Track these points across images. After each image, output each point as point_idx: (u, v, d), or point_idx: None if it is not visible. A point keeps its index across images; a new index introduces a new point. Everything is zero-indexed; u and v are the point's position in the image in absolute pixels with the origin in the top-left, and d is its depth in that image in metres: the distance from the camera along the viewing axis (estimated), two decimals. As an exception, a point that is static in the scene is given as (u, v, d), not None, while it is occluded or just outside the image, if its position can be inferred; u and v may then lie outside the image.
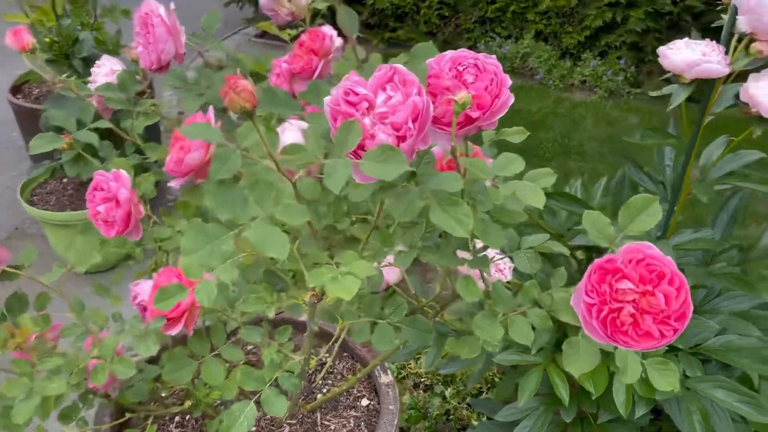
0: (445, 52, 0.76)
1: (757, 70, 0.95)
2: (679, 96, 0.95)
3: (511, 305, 0.77)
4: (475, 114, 0.70)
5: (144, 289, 0.92)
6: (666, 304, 0.57)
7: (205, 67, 1.07)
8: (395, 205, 0.61)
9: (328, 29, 1.10)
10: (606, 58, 3.59)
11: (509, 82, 0.73)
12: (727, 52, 0.95)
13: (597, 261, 0.61)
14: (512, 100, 0.73)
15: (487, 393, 1.62)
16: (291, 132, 0.91)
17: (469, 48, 3.50)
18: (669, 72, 0.97)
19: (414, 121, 0.57)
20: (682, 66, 0.93)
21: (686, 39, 0.96)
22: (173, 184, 0.77)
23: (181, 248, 0.52)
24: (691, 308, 0.58)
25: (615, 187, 1.26)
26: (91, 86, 1.15)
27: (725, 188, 1.14)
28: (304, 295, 0.73)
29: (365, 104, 0.59)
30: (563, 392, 1.12)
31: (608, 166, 2.93)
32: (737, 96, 0.98)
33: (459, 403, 1.61)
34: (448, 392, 1.62)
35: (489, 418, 1.55)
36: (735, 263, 1.20)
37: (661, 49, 0.96)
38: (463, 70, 0.72)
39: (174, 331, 0.80)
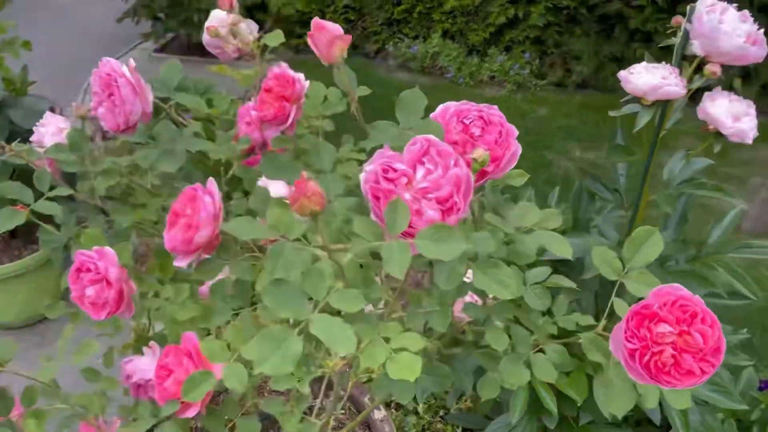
0: (448, 104, 0.76)
1: (709, 88, 1.02)
2: (643, 118, 1.00)
3: (530, 344, 0.79)
4: (489, 168, 0.71)
5: (139, 366, 0.87)
6: (704, 343, 0.61)
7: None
8: (439, 274, 0.61)
9: (288, 70, 1.08)
10: (511, 52, 3.72)
11: (515, 132, 0.74)
12: (680, 73, 1.01)
13: (633, 307, 0.63)
14: (520, 150, 0.74)
15: (456, 404, 1.65)
16: (276, 185, 0.88)
17: (378, 50, 3.59)
18: (629, 95, 1.02)
19: (458, 193, 0.57)
20: (645, 89, 0.98)
21: (644, 63, 1.01)
22: (180, 263, 0.73)
23: (255, 361, 0.50)
24: (724, 343, 0.62)
25: (573, 198, 1.31)
26: (35, 147, 1.07)
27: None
28: (331, 362, 0.72)
29: (404, 179, 0.58)
30: (551, 404, 1.16)
31: (529, 161, 3.04)
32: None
33: (432, 417, 1.63)
34: (420, 407, 1.64)
35: (465, 430, 1.59)
36: (688, 260, 1.29)
37: (623, 74, 1.01)
38: (470, 123, 0.73)
39: (190, 414, 0.76)
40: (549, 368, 0.76)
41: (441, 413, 1.64)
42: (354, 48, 3.98)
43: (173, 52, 3.99)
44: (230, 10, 1.14)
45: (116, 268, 0.80)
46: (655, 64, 1.00)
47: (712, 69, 0.97)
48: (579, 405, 1.27)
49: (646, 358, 0.62)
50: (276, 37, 1.13)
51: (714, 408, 1.27)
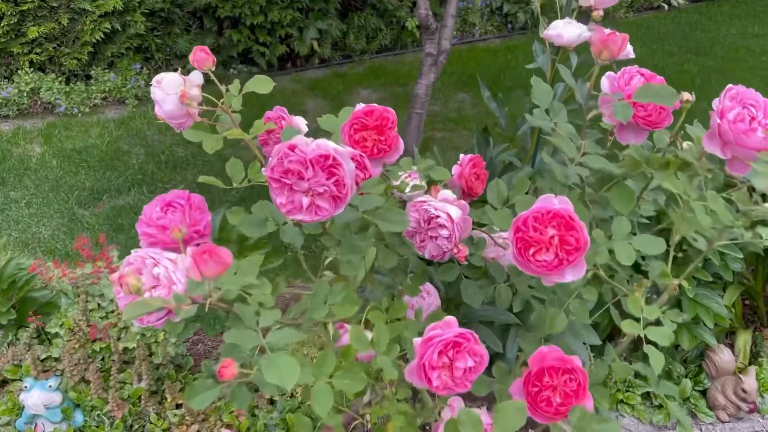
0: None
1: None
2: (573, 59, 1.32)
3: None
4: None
5: None
6: None
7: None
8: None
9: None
10: (116, 67, 3.48)
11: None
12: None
13: None
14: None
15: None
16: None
17: None
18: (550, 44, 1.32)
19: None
20: (573, 38, 1.30)
21: (561, 21, 1.32)
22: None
23: None
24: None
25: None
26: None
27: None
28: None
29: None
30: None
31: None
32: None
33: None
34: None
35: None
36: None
37: (550, 33, 1.30)
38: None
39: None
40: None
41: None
42: None
43: None
44: (212, 66, 1.02)
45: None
46: (570, 20, 1.32)
47: (598, 14, 1.34)
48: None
49: None
50: (266, 83, 1.05)
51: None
